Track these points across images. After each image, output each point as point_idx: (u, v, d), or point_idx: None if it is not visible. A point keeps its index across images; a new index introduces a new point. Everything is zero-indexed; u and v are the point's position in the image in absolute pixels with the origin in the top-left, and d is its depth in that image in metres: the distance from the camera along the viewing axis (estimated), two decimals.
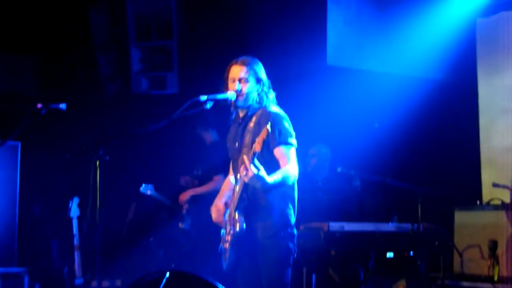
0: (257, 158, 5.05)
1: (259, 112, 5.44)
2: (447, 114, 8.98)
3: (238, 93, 5.40)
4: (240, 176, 5.22)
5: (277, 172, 5.20)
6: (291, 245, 5.38)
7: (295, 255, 5.43)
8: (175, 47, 9.15)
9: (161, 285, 3.70)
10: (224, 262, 5.47)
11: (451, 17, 8.58)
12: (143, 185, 8.35)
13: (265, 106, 5.45)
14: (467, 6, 8.50)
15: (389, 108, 8.58)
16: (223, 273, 5.46)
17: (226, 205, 5.54)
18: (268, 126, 4.99)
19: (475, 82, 8.57)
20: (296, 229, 5.45)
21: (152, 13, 9.17)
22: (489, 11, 8.49)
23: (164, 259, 8.30)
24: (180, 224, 8.29)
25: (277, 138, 5.28)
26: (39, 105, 5.41)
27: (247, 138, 5.35)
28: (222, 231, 5.56)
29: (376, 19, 8.76)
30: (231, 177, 5.75)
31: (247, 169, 4.98)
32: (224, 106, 5.52)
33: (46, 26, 9.44)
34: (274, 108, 5.46)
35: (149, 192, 8.32)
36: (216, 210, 5.56)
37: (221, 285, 3.93)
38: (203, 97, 5.36)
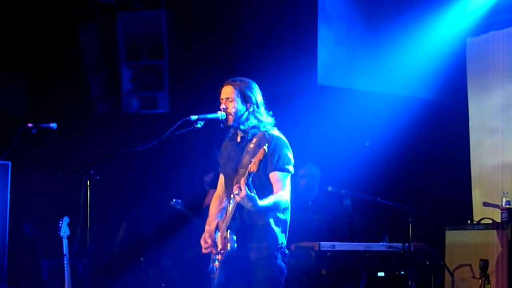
0: (253, 178, 5.08)
1: (260, 134, 5.47)
2: (438, 133, 9.00)
3: (225, 111, 5.45)
4: (233, 196, 5.24)
5: (269, 197, 5.23)
6: (283, 264, 5.40)
7: (286, 274, 5.44)
8: (166, 67, 9.16)
9: None
10: (213, 282, 5.47)
11: (442, 36, 8.61)
12: (174, 200, 8.37)
13: (266, 129, 5.49)
14: (458, 25, 8.54)
15: (380, 127, 8.60)
16: None
17: (217, 225, 5.55)
18: (265, 147, 5.03)
19: (466, 101, 8.59)
20: (287, 249, 5.47)
21: (142, 33, 9.18)
22: (479, 30, 8.53)
23: (154, 279, 8.27)
24: None
25: (274, 162, 5.31)
26: (30, 125, 5.41)
27: (246, 159, 5.38)
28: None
29: (367, 38, 8.78)
30: (222, 195, 5.75)
31: (240, 189, 5.02)
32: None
33: (37, 46, 9.45)
34: (276, 132, 5.50)
35: (179, 208, 8.34)
36: (204, 243, 5.56)
37: None
38: (194, 117, 5.38)
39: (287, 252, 5.46)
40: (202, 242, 5.56)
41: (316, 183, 8.45)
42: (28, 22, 9.34)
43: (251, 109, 5.50)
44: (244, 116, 5.49)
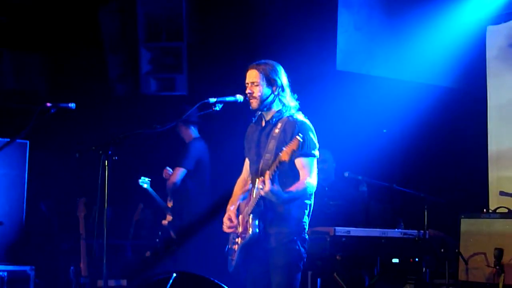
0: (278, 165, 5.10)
1: (284, 119, 5.48)
2: (456, 121, 8.97)
3: (250, 96, 5.46)
4: (257, 186, 5.26)
5: (292, 186, 5.25)
6: (302, 250, 5.43)
7: (305, 260, 5.46)
8: (184, 49, 9.16)
9: (168, 285, 3.71)
10: (230, 264, 5.49)
11: (462, 24, 8.58)
12: (142, 177, 8.27)
13: (291, 113, 5.49)
14: (478, 13, 8.50)
15: (398, 114, 8.58)
16: (228, 275, 5.48)
17: (238, 209, 5.57)
18: (299, 137, 5.03)
19: (484, 90, 8.55)
20: None
21: (162, 14, 9.18)
22: (500, 19, 8.48)
23: (169, 259, 8.29)
24: (163, 221, 8.23)
25: (299, 148, 5.31)
26: (49, 104, 5.43)
27: (271, 144, 5.40)
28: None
29: (387, 25, 8.76)
30: (246, 178, 5.77)
31: (264, 183, 5.05)
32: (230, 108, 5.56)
33: (57, 25, 9.47)
34: (300, 117, 5.50)
35: (145, 186, 8.27)
36: (228, 221, 5.58)
37: (226, 287, 3.95)
38: (212, 99, 5.41)
39: (307, 237, 5.48)
40: (225, 220, 5.58)
41: (331, 168, 8.44)
42: (48, 1, 9.37)
43: (276, 93, 5.51)
44: (269, 100, 5.50)
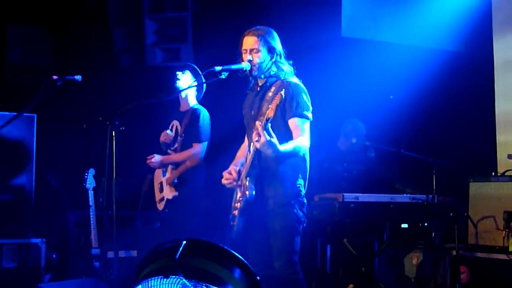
0: (271, 126, 5.10)
1: (278, 82, 5.49)
2: (463, 85, 8.93)
3: (251, 63, 5.46)
4: (252, 144, 5.27)
5: (289, 142, 5.26)
6: (301, 213, 5.46)
7: (305, 224, 5.49)
8: (189, 19, 9.14)
9: (178, 253, 3.73)
10: (233, 230, 5.52)
11: None
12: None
13: (284, 77, 5.50)
14: None
15: (404, 80, 8.56)
16: (232, 242, 5.51)
17: (239, 172, 5.58)
18: (282, 92, 5.05)
19: (491, 53, 8.51)
20: (311, 200, 5.50)
21: None
22: None
23: (180, 230, 8.30)
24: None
25: (293, 109, 5.34)
26: (55, 77, 5.43)
27: (264, 107, 5.41)
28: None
29: None
30: (245, 144, 5.79)
31: (259, 135, 5.04)
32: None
33: None
34: (294, 80, 5.51)
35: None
36: (227, 174, 5.59)
37: (237, 254, 3.96)
38: (218, 68, 5.41)
39: (305, 201, 5.51)
40: (224, 173, 5.59)
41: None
42: None
43: (274, 59, 5.52)
44: (268, 66, 5.51)
